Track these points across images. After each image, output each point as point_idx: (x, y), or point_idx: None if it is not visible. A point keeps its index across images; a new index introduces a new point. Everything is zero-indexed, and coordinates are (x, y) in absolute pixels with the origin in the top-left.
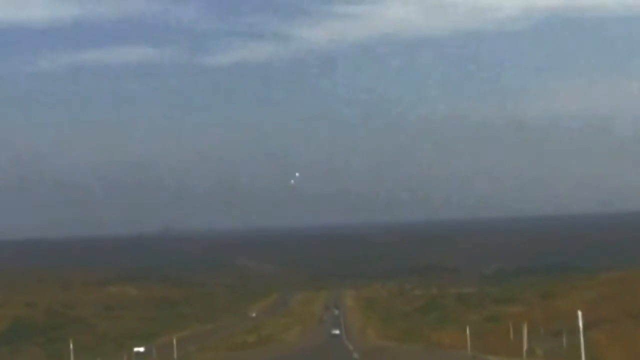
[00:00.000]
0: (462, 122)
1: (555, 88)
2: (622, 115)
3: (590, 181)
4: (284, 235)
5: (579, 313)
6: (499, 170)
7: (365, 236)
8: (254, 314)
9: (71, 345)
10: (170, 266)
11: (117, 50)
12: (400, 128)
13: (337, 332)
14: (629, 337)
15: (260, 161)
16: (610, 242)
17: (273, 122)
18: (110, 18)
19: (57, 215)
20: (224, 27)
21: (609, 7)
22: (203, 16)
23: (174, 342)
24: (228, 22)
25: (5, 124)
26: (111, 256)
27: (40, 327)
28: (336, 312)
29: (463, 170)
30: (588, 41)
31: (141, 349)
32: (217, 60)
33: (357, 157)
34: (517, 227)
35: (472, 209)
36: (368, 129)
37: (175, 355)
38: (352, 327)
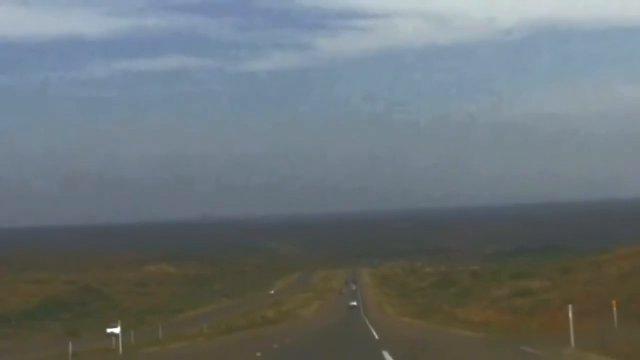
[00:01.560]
0: (464, 122)
1: (540, 91)
2: (597, 115)
3: (575, 172)
4: (310, 220)
5: None
6: (493, 164)
7: (379, 222)
8: (272, 292)
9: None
10: (207, 248)
11: (165, 58)
12: (405, 125)
13: (354, 303)
14: None
15: (290, 155)
16: (594, 227)
17: (296, 119)
18: (160, 31)
19: (114, 203)
20: (256, 39)
21: (585, 22)
22: (238, 30)
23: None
24: (259, 35)
25: (67, 122)
26: (155, 239)
27: (70, 303)
28: (354, 287)
29: (463, 165)
30: (568, 51)
31: (115, 330)
32: (247, 67)
33: (371, 154)
34: (511, 213)
35: (471, 198)
36: (378, 126)
37: (160, 335)
38: (369, 301)
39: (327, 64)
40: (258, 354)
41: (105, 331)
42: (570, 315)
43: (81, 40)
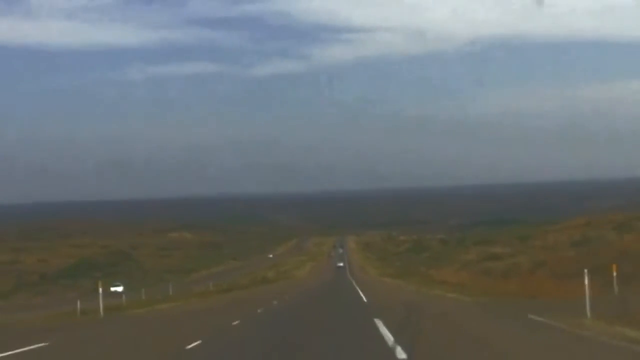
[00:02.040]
0: (433, 117)
1: (492, 94)
2: (541, 113)
3: (523, 158)
4: (308, 197)
5: None
6: (459, 152)
7: (363, 198)
8: (271, 255)
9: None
10: (221, 219)
11: (191, 64)
12: (385, 120)
13: (341, 264)
14: None
15: (292, 142)
16: (541, 204)
17: (297, 114)
18: (182, 41)
19: (146, 181)
20: (262, 49)
21: (532, 36)
22: (248, 41)
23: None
24: (265, 46)
25: (107, 118)
26: (179, 212)
27: (101, 264)
28: (341, 251)
29: (433, 152)
30: (518, 61)
31: (119, 288)
32: (257, 72)
33: (359, 143)
34: (471, 192)
35: (439, 179)
36: (363, 121)
37: (170, 292)
38: (354, 264)
39: (321, 70)
40: (259, 310)
41: (110, 290)
42: (587, 281)
43: (121, 49)
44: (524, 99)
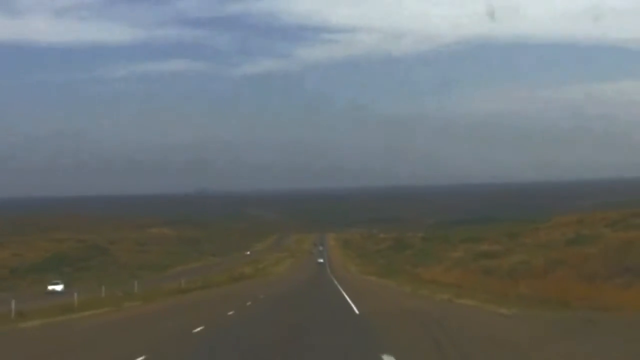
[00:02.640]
0: (413, 116)
1: (471, 95)
2: (517, 112)
3: (503, 158)
4: (289, 194)
5: None
6: (438, 151)
7: (343, 196)
8: (248, 252)
9: None
10: (201, 215)
11: (175, 62)
12: (367, 120)
13: (321, 260)
14: None
15: (274, 140)
16: (521, 203)
17: (280, 112)
18: (172, 40)
19: (129, 178)
20: (248, 48)
21: (513, 37)
22: (234, 41)
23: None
24: (251, 45)
25: (93, 114)
26: (160, 208)
27: (74, 258)
28: (321, 248)
29: (413, 151)
30: (498, 62)
31: (57, 287)
32: (243, 70)
33: (338, 140)
34: (450, 191)
35: (417, 178)
36: (344, 120)
37: (135, 290)
38: (335, 261)
39: (304, 68)
40: (230, 313)
41: (47, 288)
42: None
43: (106, 46)
44: (504, 99)
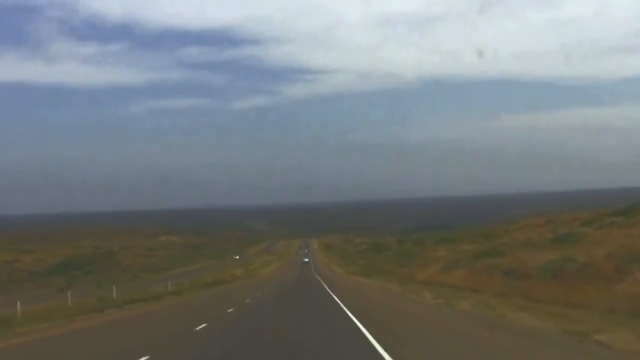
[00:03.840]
0: (380, 142)
1: (428, 121)
2: (461, 139)
3: (453, 175)
4: (279, 208)
5: None
6: (400, 169)
7: (323, 209)
8: (237, 257)
9: None
10: (206, 225)
11: (181, 99)
12: (339, 146)
13: (307, 260)
14: None
15: (264, 162)
16: (469, 214)
17: (268, 140)
18: (178, 81)
19: (145, 194)
20: (241, 86)
21: (464, 76)
22: (230, 81)
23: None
24: (244, 84)
25: (111, 142)
26: (171, 219)
27: (83, 262)
28: (306, 250)
29: (380, 170)
30: (450, 96)
31: None
32: (238, 105)
33: (317, 162)
34: (412, 203)
35: (383, 192)
36: (321, 145)
37: (114, 295)
38: (319, 262)
39: (289, 103)
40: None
41: None
42: None
43: (124, 87)
44: (450, 127)
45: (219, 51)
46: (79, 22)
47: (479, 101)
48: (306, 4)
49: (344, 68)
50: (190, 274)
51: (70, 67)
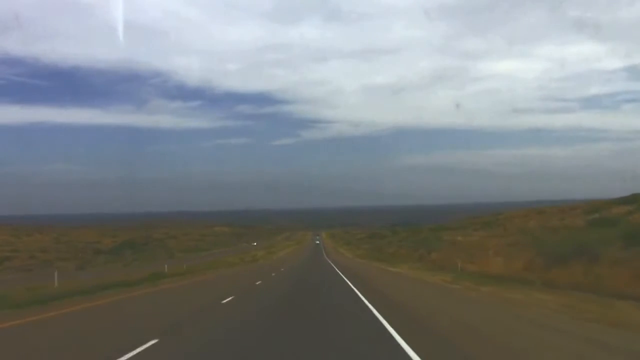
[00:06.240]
0: (366, 170)
1: (398, 155)
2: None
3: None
4: (295, 210)
5: None
6: (379, 184)
7: (323, 212)
8: (255, 243)
9: None
10: (249, 221)
11: (236, 138)
12: (339, 171)
13: (318, 242)
14: None
15: (290, 180)
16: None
17: (292, 165)
18: (233, 126)
19: (194, 197)
20: (276, 131)
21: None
22: (269, 127)
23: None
24: (278, 129)
25: (190, 166)
26: (227, 217)
27: (138, 244)
28: (317, 237)
29: (364, 182)
30: (406, 144)
31: None
32: (273, 143)
33: (329, 177)
34: (388, 207)
35: (362, 201)
36: (326, 170)
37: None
38: (328, 247)
39: (306, 142)
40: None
41: None
42: None
43: (197, 129)
44: (413, 159)
45: (261, 108)
46: (170, 87)
47: (430, 142)
48: (319, 79)
49: (342, 119)
50: (222, 254)
51: (164, 117)
